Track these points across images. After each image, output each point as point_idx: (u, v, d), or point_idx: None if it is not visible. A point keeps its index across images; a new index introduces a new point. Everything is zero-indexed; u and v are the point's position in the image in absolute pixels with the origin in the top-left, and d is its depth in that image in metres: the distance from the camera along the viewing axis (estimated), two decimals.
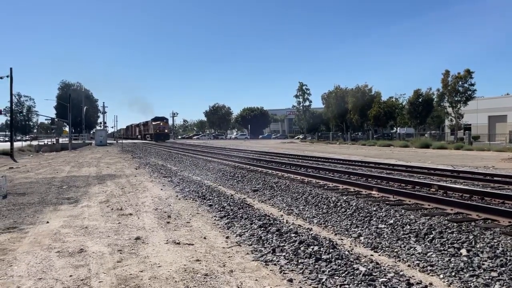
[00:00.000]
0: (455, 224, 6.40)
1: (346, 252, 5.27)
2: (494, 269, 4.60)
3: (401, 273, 4.56)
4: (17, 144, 37.57)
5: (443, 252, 5.30)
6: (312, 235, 6.07)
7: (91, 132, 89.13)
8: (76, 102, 75.07)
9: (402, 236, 6.07)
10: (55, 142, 49.78)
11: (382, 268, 4.71)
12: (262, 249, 5.62)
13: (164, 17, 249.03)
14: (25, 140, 55.73)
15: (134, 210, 8.75)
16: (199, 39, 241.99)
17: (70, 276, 4.64)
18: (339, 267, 4.72)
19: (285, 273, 4.67)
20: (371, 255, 5.34)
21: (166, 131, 74.43)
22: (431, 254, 5.22)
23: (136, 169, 19.20)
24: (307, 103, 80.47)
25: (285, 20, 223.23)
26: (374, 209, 7.74)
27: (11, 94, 34.19)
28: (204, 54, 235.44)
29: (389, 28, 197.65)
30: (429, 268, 4.80)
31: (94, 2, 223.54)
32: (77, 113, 76.79)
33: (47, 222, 7.62)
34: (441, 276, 4.55)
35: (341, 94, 64.49)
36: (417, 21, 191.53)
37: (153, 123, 73.61)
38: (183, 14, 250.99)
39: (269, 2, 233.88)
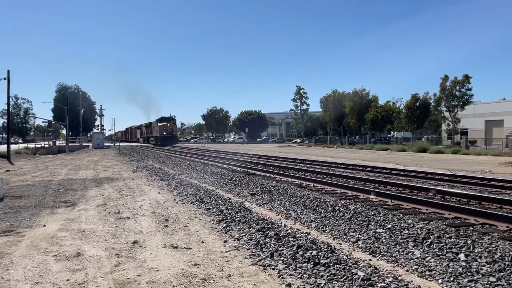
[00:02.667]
0: (453, 228, 6.40)
1: (345, 257, 5.27)
2: (493, 274, 4.60)
3: (399, 278, 4.56)
4: (14, 147, 37.44)
5: (441, 257, 5.30)
6: (311, 239, 6.06)
7: (89, 135, 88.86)
8: (73, 104, 75.07)
9: (400, 241, 6.07)
10: (52, 145, 49.64)
11: (381, 273, 4.70)
12: (260, 253, 5.60)
13: (162, 19, 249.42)
14: (15, 143, 55.43)
15: (131, 213, 8.71)
16: (197, 42, 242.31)
17: (67, 280, 4.62)
18: (338, 271, 4.72)
19: (284, 278, 4.66)
20: (370, 259, 5.33)
21: (174, 133, 65.15)
22: (430, 259, 5.22)
23: (134, 172, 19.15)
24: (304, 106, 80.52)
25: (284, 23, 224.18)
26: (372, 213, 7.74)
27: (8, 97, 34.17)
28: (203, 57, 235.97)
29: (387, 30, 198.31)
30: (427, 273, 4.79)
31: (94, 2, 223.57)
32: (74, 115, 76.77)
33: (44, 225, 7.58)
34: (440, 281, 4.54)
35: (338, 98, 64.53)
36: (414, 22, 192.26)
37: (159, 124, 63.62)
38: (181, 16, 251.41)
39: (268, 6, 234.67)
